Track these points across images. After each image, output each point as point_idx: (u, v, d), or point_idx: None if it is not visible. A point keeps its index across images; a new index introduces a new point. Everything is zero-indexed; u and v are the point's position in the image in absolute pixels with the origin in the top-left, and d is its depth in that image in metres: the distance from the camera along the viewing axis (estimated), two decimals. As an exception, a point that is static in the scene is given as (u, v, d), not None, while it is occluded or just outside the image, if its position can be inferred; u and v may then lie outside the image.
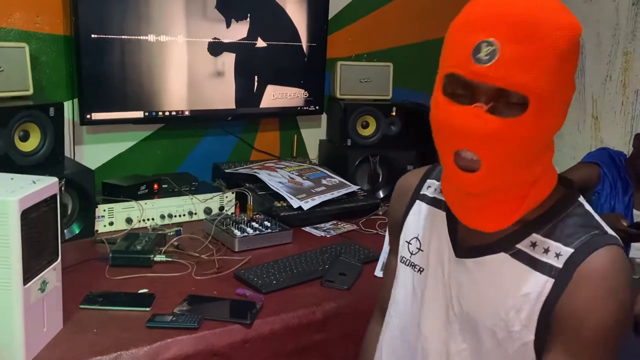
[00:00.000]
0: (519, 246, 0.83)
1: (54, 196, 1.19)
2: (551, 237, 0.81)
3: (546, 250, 0.81)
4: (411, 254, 0.98)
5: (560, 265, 0.79)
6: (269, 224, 1.85)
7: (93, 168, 1.92)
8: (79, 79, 1.94)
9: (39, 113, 1.72)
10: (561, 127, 0.81)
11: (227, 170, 2.22)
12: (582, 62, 2.77)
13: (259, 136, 2.49)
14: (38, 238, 1.14)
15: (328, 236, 1.92)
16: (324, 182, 2.14)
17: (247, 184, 2.09)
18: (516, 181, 0.80)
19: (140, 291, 1.44)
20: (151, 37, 2.02)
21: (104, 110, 1.99)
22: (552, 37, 0.71)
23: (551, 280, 0.79)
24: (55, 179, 1.20)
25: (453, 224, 0.91)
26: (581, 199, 0.86)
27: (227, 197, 2.07)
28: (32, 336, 1.13)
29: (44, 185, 1.14)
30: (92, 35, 1.90)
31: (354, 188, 2.15)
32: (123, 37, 1.96)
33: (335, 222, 2.04)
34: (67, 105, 1.97)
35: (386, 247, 1.78)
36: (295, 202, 1.95)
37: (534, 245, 0.82)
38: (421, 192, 1.00)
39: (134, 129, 2.15)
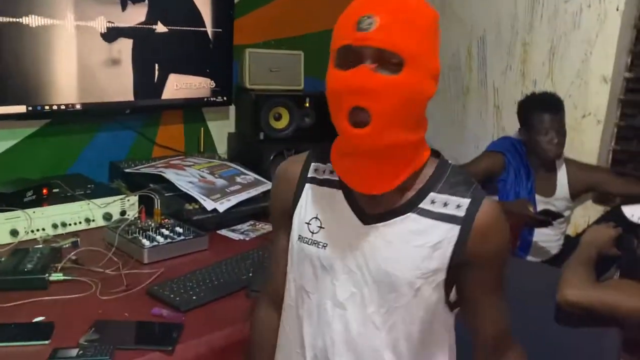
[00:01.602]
0: (421, 205, 0.96)
1: None
2: (446, 192, 0.97)
3: (445, 204, 0.96)
4: (312, 232, 1.03)
5: (462, 214, 0.95)
6: (181, 230, 1.68)
7: (-35, 172, 1.64)
8: (-58, 68, 1.63)
9: None
10: (432, 96, 0.93)
11: (127, 170, 2.00)
12: (483, 51, 2.84)
13: (161, 130, 2.29)
14: None
15: (247, 239, 1.79)
16: (238, 180, 1.99)
17: (151, 185, 1.89)
18: (403, 141, 0.92)
19: (36, 320, 1.23)
20: (32, 20, 1.75)
21: (-24, 105, 1.71)
22: (415, 15, 0.89)
23: (457, 227, 0.95)
24: None
25: (351, 198, 1.00)
26: (450, 161, 1.03)
27: (129, 200, 1.86)
28: None
29: None
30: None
31: (270, 185, 2.03)
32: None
33: (252, 222, 1.92)
34: None
35: None
36: (209, 204, 1.79)
37: (433, 202, 0.97)
38: (309, 176, 1.06)
39: (15, 125, 1.88)
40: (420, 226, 0.95)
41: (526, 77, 2.71)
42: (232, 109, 2.44)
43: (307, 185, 1.06)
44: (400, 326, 0.98)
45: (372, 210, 0.98)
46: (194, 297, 1.35)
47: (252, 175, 2.06)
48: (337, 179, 1.02)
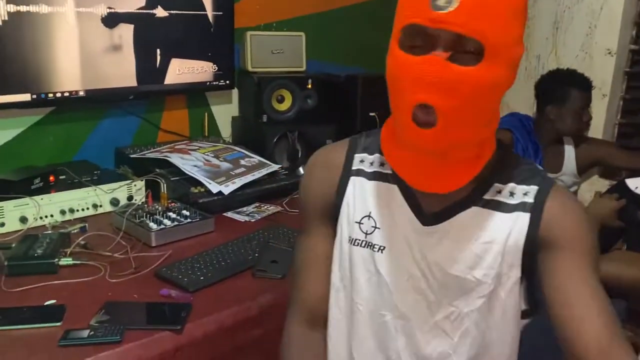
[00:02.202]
0: (486, 197, 0.87)
1: None
2: (512, 182, 0.88)
3: (512, 193, 0.87)
4: (365, 233, 0.92)
5: (531, 200, 0.86)
6: (187, 213, 1.70)
7: (-27, 161, 1.66)
8: (-55, 59, 1.65)
9: None
10: (510, 87, 0.81)
11: (132, 155, 2.01)
12: (487, 28, 2.82)
13: (165, 115, 2.29)
14: None
15: (253, 221, 1.81)
16: (242, 162, 2.00)
17: (157, 170, 1.90)
18: (472, 138, 0.81)
19: (47, 303, 1.25)
20: (34, 8, 1.75)
21: (-20, 94, 1.72)
22: None
23: (526, 215, 0.86)
24: None
25: (409, 194, 0.90)
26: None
27: (135, 185, 1.88)
28: None
29: None
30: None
31: (275, 167, 2.04)
32: (-2, 7, 1.69)
33: (257, 204, 1.93)
34: None
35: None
36: (214, 187, 1.81)
37: (499, 192, 0.88)
38: (353, 168, 0.95)
39: (20, 114, 1.88)
40: (487, 220, 0.86)
41: (529, 51, 2.69)
42: (235, 92, 2.44)
43: (353, 179, 0.94)
44: (473, 332, 0.89)
45: (432, 207, 0.88)
46: (202, 278, 1.37)
47: (256, 158, 2.06)
48: (389, 172, 0.91)
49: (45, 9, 1.77)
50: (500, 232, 0.86)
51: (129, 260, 1.46)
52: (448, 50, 0.73)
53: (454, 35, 0.72)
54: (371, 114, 2.33)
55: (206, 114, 2.36)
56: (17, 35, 1.74)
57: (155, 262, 1.45)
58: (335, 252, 0.96)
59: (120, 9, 1.95)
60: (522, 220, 0.86)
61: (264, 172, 1.98)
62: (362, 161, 0.95)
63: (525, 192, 0.87)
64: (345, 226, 0.94)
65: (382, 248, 0.91)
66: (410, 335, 0.91)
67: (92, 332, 1.13)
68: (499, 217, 0.86)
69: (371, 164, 0.94)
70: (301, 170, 2.27)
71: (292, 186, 2.03)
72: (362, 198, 0.93)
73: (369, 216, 0.92)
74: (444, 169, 0.83)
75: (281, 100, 2.31)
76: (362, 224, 0.92)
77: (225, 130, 2.46)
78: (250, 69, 2.31)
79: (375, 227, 0.91)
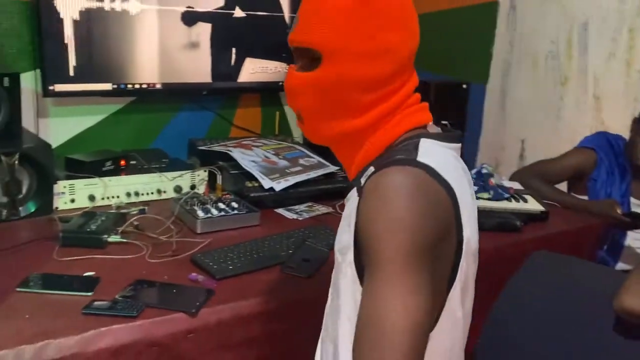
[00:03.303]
0: (362, 179, 0.87)
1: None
2: (377, 165, 0.85)
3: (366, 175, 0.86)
4: None
5: (363, 182, 0.84)
6: (236, 205, 1.75)
7: (60, 142, 1.84)
8: (40, 48, 1.83)
9: (-9, 83, 1.63)
10: (376, 75, 0.86)
11: (200, 148, 2.12)
12: (584, 38, 2.61)
13: (239, 112, 2.38)
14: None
15: (300, 219, 1.82)
16: (301, 161, 2.03)
17: (220, 162, 1.98)
18: (340, 129, 0.89)
19: (86, 274, 1.35)
20: (119, 4, 1.90)
21: (68, 82, 1.90)
22: (326, 1, 0.85)
23: (357, 200, 0.85)
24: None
25: None
26: (430, 141, 0.88)
27: (199, 175, 1.97)
28: (-50, 322, 1.05)
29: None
30: (55, 1, 1.80)
31: (332, 169, 2.04)
32: (89, 3, 1.86)
33: (310, 204, 1.94)
34: (30, 76, 1.88)
35: None
36: (266, 183, 1.85)
37: (368, 176, 0.85)
38: None
39: (104, 101, 2.06)
40: (350, 201, 0.91)
41: (631, 66, 2.45)
42: (309, 93, 2.47)
43: None
44: (333, 302, 0.97)
45: None
46: (231, 267, 1.40)
47: (316, 158, 2.08)
48: None
49: (129, 6, 1.92)
50: (348, 211, 0.89)
51: (171, 244, 1.53)
52: (298, 62, 0.91)
53: (297, 50, 0.90)
54: (443, 122, 2.25)
55: (278, 113, 2.42)
56: (102, 29, 1.90)
57: (194, 248, 1.51)
58: None
59: (200, 8, 2.06)
60: (355, 203, 0.84)
61: (320, 172, 1.98)
62: None
63: (367, 173, 0.85)
64: None
65: None
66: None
67: (113, 305, 1.20)
68: (354, 197, 0.88)
69: None
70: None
71: (347, 189, 2.01)
72: None
73: None
74: (342, 160, 0.97)
75: (350, 103, 2.31)
76: None
77: (297, 130, 2.50)
78: (322, 70, 2.33)
79: None
